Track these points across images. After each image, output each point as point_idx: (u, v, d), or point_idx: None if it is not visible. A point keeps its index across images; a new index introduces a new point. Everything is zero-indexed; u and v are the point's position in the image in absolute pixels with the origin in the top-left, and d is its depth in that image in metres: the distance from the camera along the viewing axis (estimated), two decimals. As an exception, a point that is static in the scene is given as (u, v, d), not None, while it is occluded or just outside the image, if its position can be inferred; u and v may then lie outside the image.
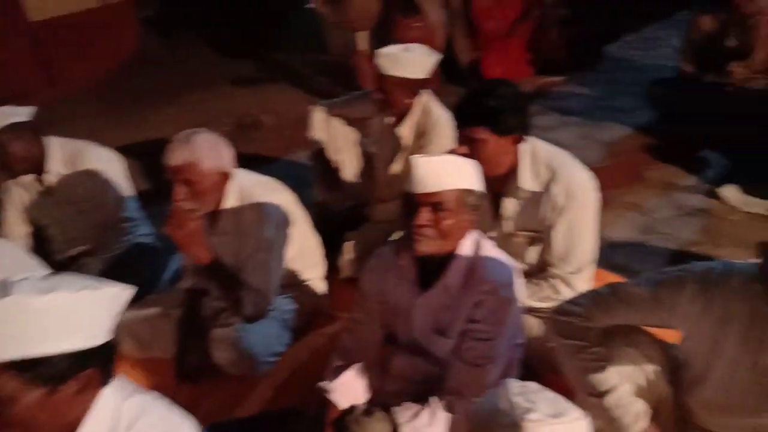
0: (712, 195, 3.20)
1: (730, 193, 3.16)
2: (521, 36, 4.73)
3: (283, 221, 2.04)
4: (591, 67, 5.07)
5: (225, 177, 1.98)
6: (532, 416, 0.88)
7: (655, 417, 1.42)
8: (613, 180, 3.31)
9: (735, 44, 3.79)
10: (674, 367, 1.43)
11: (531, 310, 1.89)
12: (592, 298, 1.45)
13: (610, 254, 2.69)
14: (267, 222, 1.99)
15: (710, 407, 1.36)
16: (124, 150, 2.91)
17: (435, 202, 1.51)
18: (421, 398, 1.60)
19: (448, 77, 4.56)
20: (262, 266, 2.00)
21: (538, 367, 1.81)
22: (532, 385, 0.96)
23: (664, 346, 1.46)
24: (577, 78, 4.83)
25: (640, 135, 3.94)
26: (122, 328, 2.10)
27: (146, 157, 3.61)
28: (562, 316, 1.46)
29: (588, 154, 3.63)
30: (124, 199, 2.52)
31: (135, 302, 2.17)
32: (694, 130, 3.66)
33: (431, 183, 1.50)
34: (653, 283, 1.36)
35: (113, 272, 2.41)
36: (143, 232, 2.58)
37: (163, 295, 2.30)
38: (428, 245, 1.54)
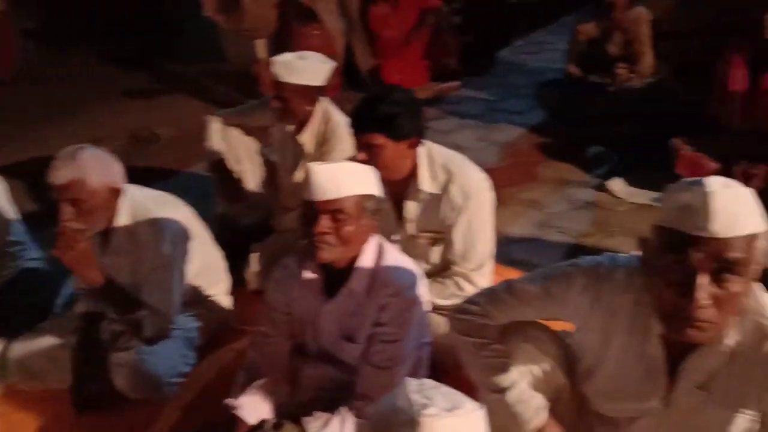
0: (601, 188, 3.40)
1: (617, 186, 3.37)
2: (418, 43, 4.83)
3: (180, 236, 1.98)
4: (485, 71, 5.25)
5: (115, 193, 1.90)
6: (428, 411, 0.90)
7: (555, 406, 1.47)
8: (510, 179, 3.45)
9: (617, 48, 4.06)
10: (569, 358, 1.49)
11: (436, 309, 1.94)
12: (488, 296, 1.49)
13: (509, 250, 2.80)
14: (163, 238, 1.92)
15: (603, 394, 1.42)
16: (6, 171, 2.72)
17: (334, 209, 1.51)
18: (332, 406, 1.60)
19: (349, 84, 4.60)
20: (161, 285, 1.93)
21: (445, 364, 1.85)
22: (429, 382, 0.98)
23: (559, 339, 1.51)
24: (472, 83, 4.99)
25: (533, 135, 4.12)
26: (14, 361, 2.01)
27: (31, 178, 3.39)
28: (461, 315, 1.49)
29: (485, 154, 3.76)
30: (9, 223, 2.36)
31: (27, 331, 2.08)
32: (583, 128, 3.89)
33: (329, 190, 1.50)
34: (545, 278, 1.41)
35: (1, 301, 2.26)
36: (31, 257, 2.41)
37: (57, 321, 2.17)
38: (330, 252, 1.54)
